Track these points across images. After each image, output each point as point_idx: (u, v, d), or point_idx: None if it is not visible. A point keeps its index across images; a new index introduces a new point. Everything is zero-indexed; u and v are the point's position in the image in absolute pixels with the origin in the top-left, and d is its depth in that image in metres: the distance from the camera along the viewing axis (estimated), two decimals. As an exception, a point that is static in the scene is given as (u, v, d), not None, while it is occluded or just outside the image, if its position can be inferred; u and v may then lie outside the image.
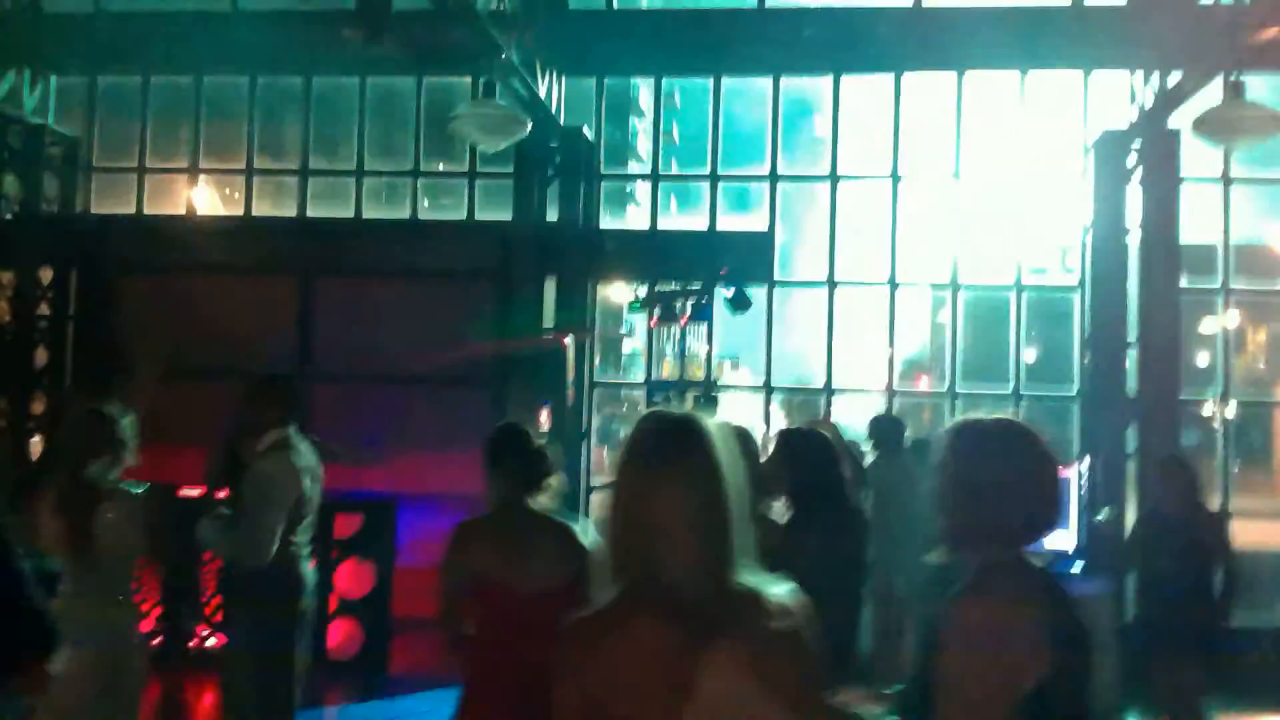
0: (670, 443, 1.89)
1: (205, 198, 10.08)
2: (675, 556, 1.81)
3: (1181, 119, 7.60)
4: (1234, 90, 6.66)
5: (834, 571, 3.34)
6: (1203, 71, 6.98)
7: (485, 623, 3.27)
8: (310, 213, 9.63)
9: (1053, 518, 2.18)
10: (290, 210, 9.68)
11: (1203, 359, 9.30)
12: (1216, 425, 8.79)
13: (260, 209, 9.86)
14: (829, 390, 9.08)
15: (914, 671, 2.16)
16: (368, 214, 9.57)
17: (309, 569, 4.73)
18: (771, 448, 3.90)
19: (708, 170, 9.32)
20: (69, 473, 4.08)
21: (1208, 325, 9.01)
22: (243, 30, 8.88)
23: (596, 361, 9.77)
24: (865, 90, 9.40)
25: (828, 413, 8.92)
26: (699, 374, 9.06)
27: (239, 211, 9.81)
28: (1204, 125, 6.66)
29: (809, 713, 1.86)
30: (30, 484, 4.06)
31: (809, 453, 3.70)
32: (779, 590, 1.91)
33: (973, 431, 2.22)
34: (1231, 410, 8.76)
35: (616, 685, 1.80)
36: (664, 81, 9.65)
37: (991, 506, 2.12)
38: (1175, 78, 7.63)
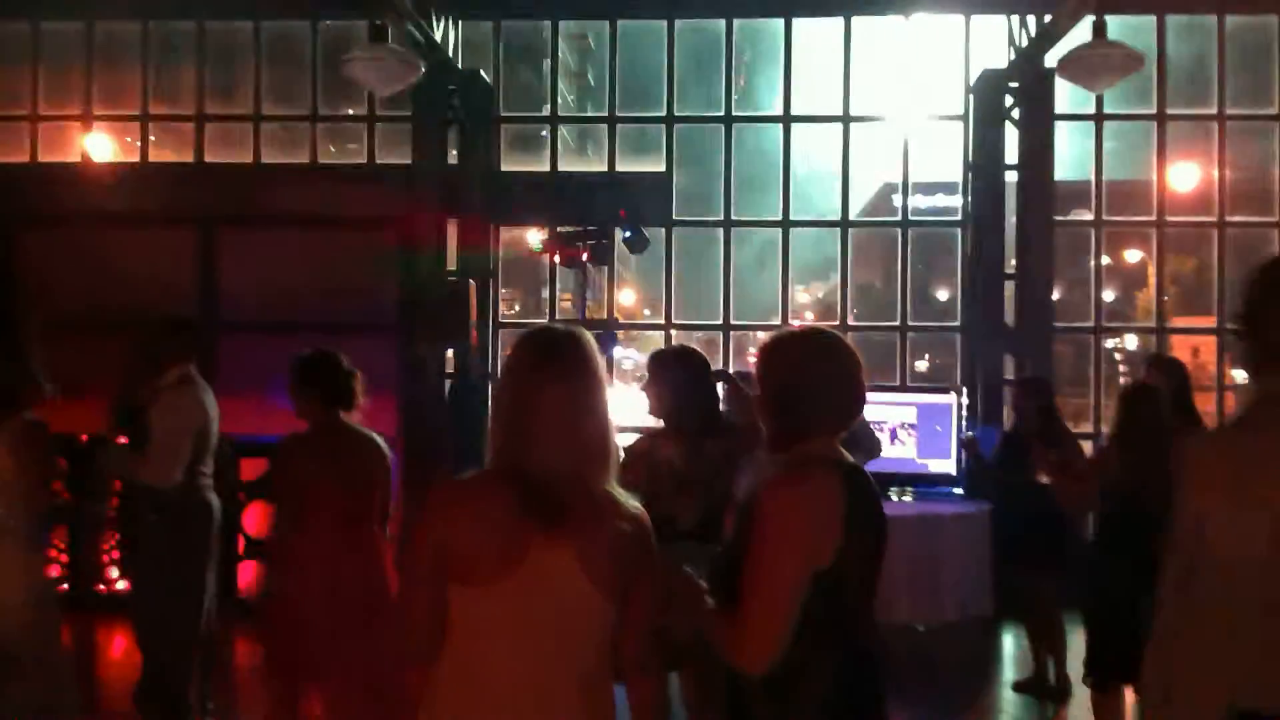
0: (553, 348, 2.14)
1: (103, 146, 9.97)
2: (542, 447, 2.06)
3: (1056, 59, 7.94)
4: (1097, 31, 7.00)
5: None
6: (1068, 14, 7.29)
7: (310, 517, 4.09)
8: (208, 159, 9.60)
9: (850, 411, 2.42)
10: (188, 157, 9.64)
11: (1077, 290, 9.78)
12: (1091, 353, 9.27)
13: (158, 156, 9.81)
14: (726, 327, 9.38)
15: (728, 545, 2.42)
16: (267, 160, 9.57)
17: (215, 499, 4.94)
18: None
19: (606, 113, 9.48)
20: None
21: (1081, 257, 9.45)
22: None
23: (504, 304, 9.98)
24: (759, 33, 9.59)
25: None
26: (603, 314, 9.33)
27: (136, 159, 9.75)
28: (1068, 66, 7.00)
29: (633, 605, 2.13)
30: None
31: (676, 372, 4.01)
32: (634, 502, 2.19)
33: (775, 342, 2.48)
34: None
35: (462, 542, 2.05)
36: (564, 25, 9.81)
37: (795, 405, 2.37)
38: (1048, 20, 7.96)
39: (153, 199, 9.06)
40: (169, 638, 4.73)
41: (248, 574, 7.86)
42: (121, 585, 7.60)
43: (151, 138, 9.76)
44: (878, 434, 7.77)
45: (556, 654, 2.06)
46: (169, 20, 9.64)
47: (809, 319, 10.79)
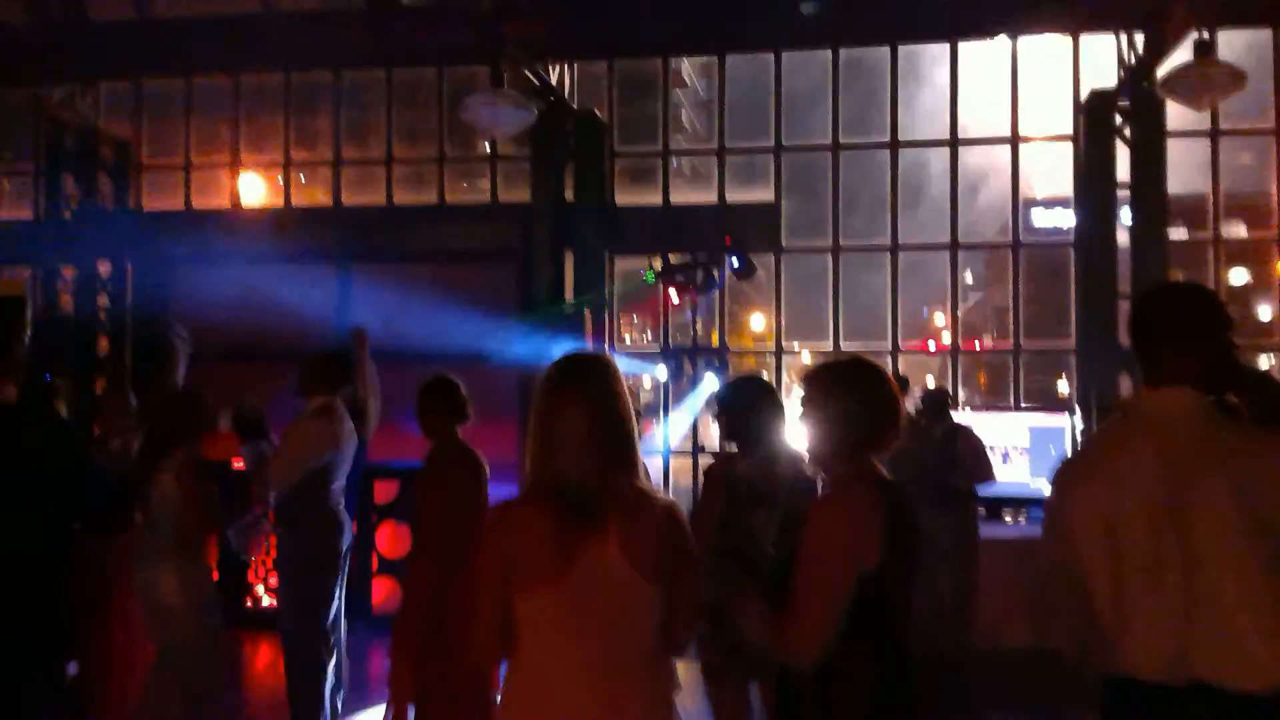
0: (573, 372, 2.45)
1: (250, 190, 10.73)
2: (569, 459, 2.36)
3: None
4: (1201, 49, 6.98)
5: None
6: (1172, 31, 7.27)
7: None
8: (345, 201, 10.25)
9: (887, 435, 2.64)
10: (327, 199, 10.31)
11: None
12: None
13: (300, 199, 10.53)
14: (835, 350, 9.53)
15: (779, 555, 2.67)
16: (399, 200, 10.16)
17: (344, 517, 5.39)
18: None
19: (715, 145, 9.78)
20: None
21: (1200, 274, 9.30)
22: (277, 30, 9.47)
23: (620, 332, 10.35)
24: (865, 62, 9.75)
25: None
26: (715, 340, 9.60)
27: (280, 203, 10.47)
28: (1171, 84, 6.99)
29: (677, 588, 2.40)
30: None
31: (736, 399, 4.29)
32: (663, 495, 2.48)
33: (815, 374, 2.73)
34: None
35: (519, 555, 2.35)
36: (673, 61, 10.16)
37: (836, 429, 2.62)
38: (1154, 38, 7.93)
39: (294, 239, 9.73)
40: (298, 649, 5.17)
41: (380, 591, 8.35)
42: (268, 602, 8.18)
43: (299, 179, 10.47)
44: (989, 456, 7.86)
45: (614, 641, 2.33)
46: (308, 71, 10.33)
47: (943, 339, 10.80)
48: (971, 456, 6.87)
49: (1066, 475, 2.60)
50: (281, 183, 10.46)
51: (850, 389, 2.65)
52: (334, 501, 5.35)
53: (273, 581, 8.03)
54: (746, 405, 4.22)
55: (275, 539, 5.68)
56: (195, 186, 10.52)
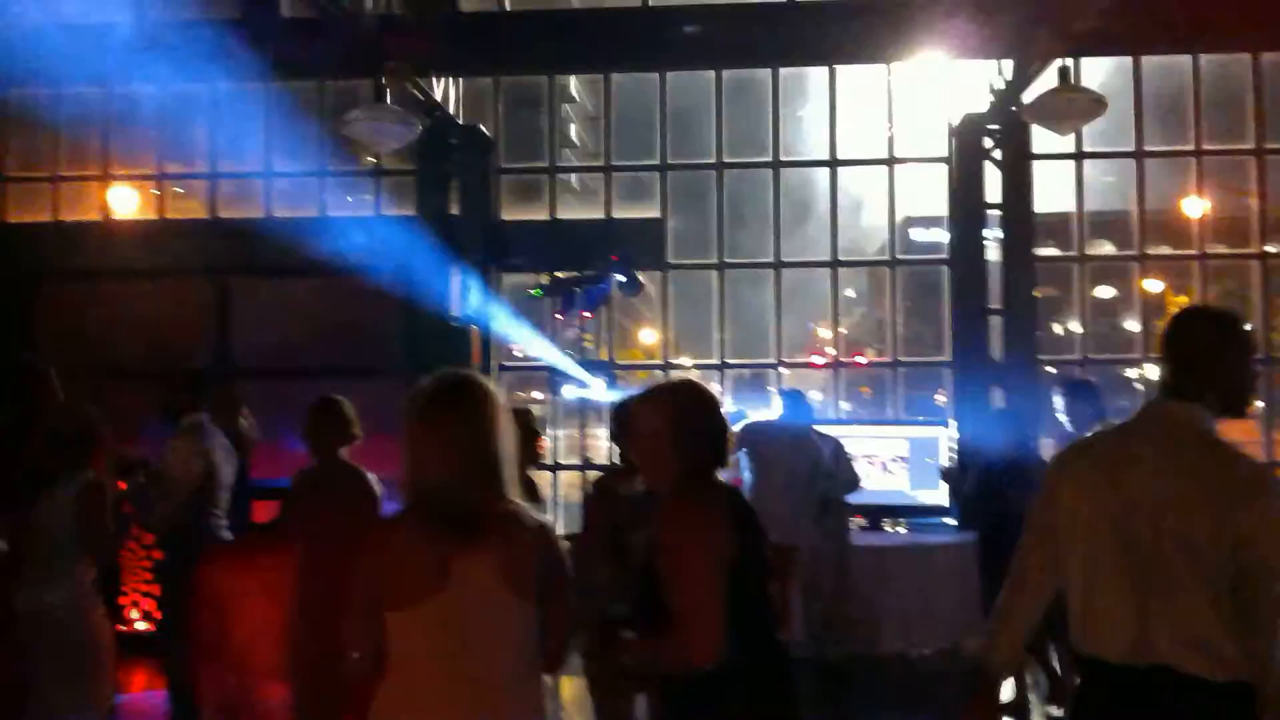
0: (441, 394, 2.46)
1: (121, 203, 10.39)
2: (441, 479, 2.38)
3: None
4: (1063, 76, 7.31)
5: None
6: (1038, 59, 7.60)
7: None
8: (222, 214, 10.00)
9: (720, 453, 2.76)
10: (203, 212, 10.05)
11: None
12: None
13: (174, 212, 10.24)
14: (722, 365, 9.66)
15: (640, 578, 2.72)
16: (279, 214, 9.96)
17: (228, 538, 5.28)
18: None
19: (602, 161, 9.85)
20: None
21: (1067, 291, 9.71)
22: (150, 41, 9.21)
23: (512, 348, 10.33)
24: (750, 82, 9.93)
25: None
26: (604, 355, 9.64)
27: (154, 216, 10.16)
28: (1034, 109, 7.31)
29: (550, 607, 2.44)
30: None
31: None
32: (538, 513, 2.50)
33: (655, 395, 2.82)
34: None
35: (390, 573, 2.37)
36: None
37: (679, 445, 2.71)
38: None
39: (170, 253, 9.47)
40: (179, 672, 5.04)
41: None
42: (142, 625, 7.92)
43: (175, 193, 10.19)
44: (867, 467, 8.06)
45: (484, 658, 2.35)
46: (184, 84, 10.06)
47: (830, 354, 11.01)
48: (838, 464, 7.04)
49: (1071, 455, 2.84)
50: (156, 195, 10.16)
51: (692, 411, 2.74)
52: (214, 523, 5.24)
53: (146, 605, 7.78)
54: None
55: (155, 563, 5.53)
56: (64, 200, 10.15)
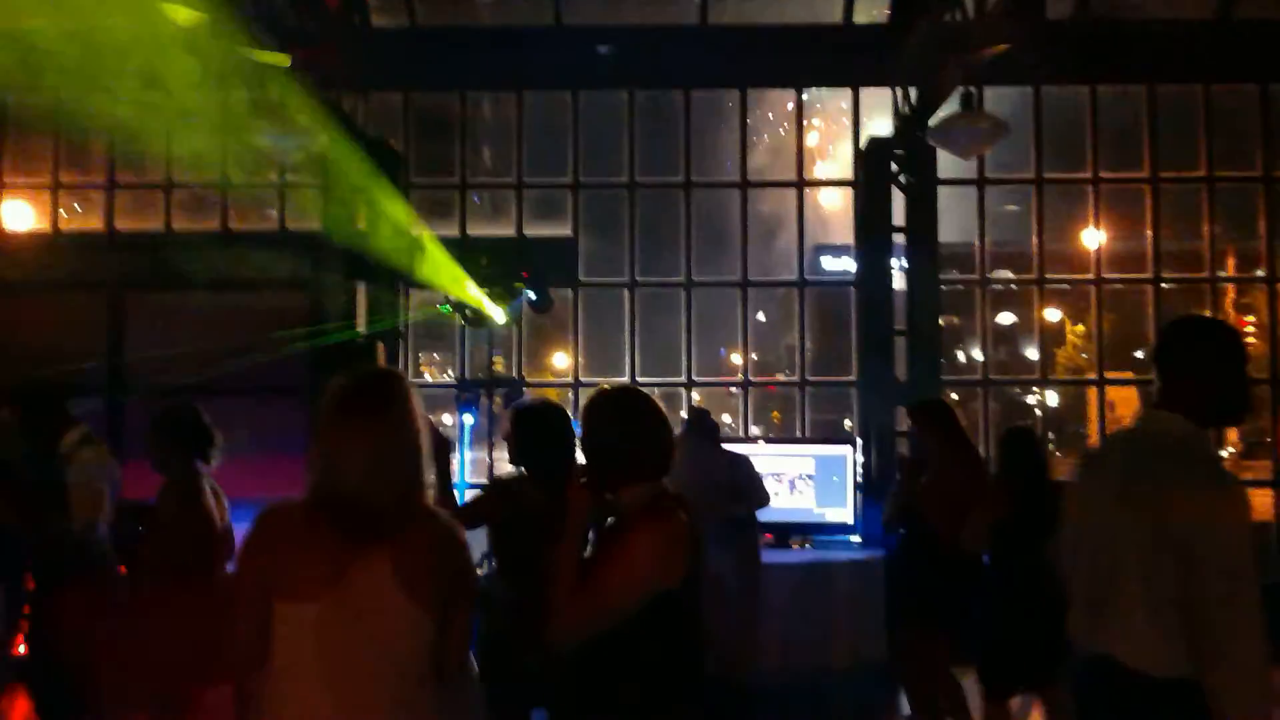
0: (361, 389, 2.38)
1: (14, 214, 10.02)
2: (350, 474, 2.29)
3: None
4: (965, 101, 7.48)
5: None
6: (943, 85, 7.78)
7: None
8: (119, 227, 9.70)
9: (665, 458, 2.73)
10: (98, 225, 9.74)
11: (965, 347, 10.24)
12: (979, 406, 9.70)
13: (70, 226, 9.91)
14: (633, 385, 9.64)
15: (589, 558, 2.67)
16: (178, 227, 9.70)
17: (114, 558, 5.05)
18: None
19: (514, 179, 9.80)
20: None
21: (970, 315, 9.92)
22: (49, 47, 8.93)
23: (412, 364, 10.18)
24: (660, 104, 9.98)
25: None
26: (508, 372, 9.55)
27: (48, 228, 9.82)
28: (940, 133, 7.46)
29: (445, 614, 2.35)
30: None
31: (537, 425, 4.24)
32: (448, 517, 2.42)
33: (593, 403, 2.79)
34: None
35: (284, 563, 2.26)
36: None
37: (618, 455, 2.68)
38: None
39: (63, 266, 9.15)
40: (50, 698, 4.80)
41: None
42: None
43: (66, 211, 9.86)
44: (774, 484, 8.09)
45: (372, 663, 2.26)
46: (84, 94, 9.76)
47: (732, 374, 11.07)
48: (748, 482, 7.03)
49: (1080, 459, 3.21)
50: (49, 207, 9.82)
51: (621, 417, 2.71)
52: (103, 547, 5.02)
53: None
54: (538, 429, 4.19)
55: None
56: (-50, 208, 9.76)
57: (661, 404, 2.77)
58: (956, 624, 5.62)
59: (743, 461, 7.14)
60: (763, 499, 7.08)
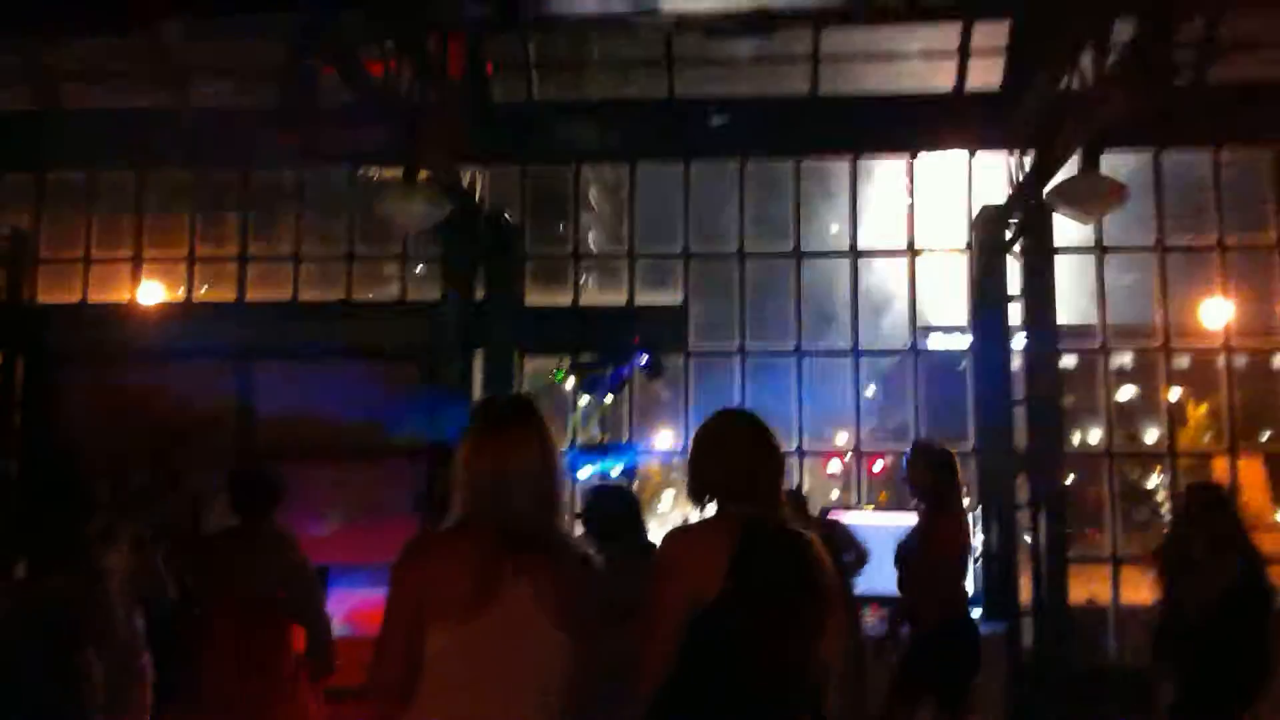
0: (515, 413, 2.45)
1: (152, 287, 10.50)
2: (517, 497, 2.34)
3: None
4: (1085, 161, 7.36)
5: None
6: (1059, 148, 7.68)
7: None
8: (250, 297, 10.09)
9: (740, 480, 2.68)
10: (230, 295, 10.15)
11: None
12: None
13: (201, 295, 10.35)
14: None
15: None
16: (305, 298, 10.04)
17: None
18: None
19: (625, 249, 9.95)
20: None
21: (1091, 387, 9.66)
22: (186, 127, 9.43)
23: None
24: (771, 174, 10.05)
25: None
26: (622, 439, 9.60)
27: (181, 298, 10.26)
28: (1058, 195, 7.35)
29: (582, 639, 2.37)
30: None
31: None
32: (585, 545, 2.47)
33: (701, 425, 2.83)
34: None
35: (439, 585, 2.29)
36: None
37: (702, 471, 2.73)
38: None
39: (194, 335, 9.53)
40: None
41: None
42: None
43: (203, 275, 10.31)
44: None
45: (520, 685, 2.28)
46: (217, 169, 10.25)
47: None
48: (844, 536, 6.84)
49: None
50: (185, 277, 10.27)
51: (711, 438, 2.77)
52: None
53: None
54: (609, 511, 4.32)
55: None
56: (94, 280, 10.28)
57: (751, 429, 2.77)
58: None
59: (839, 524, 7.00)
60: (862, 554, 6.88)
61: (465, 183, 9.15)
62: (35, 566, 3.99)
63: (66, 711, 3.84)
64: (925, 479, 5.87)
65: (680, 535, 2.64)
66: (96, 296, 10.24)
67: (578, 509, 4.65)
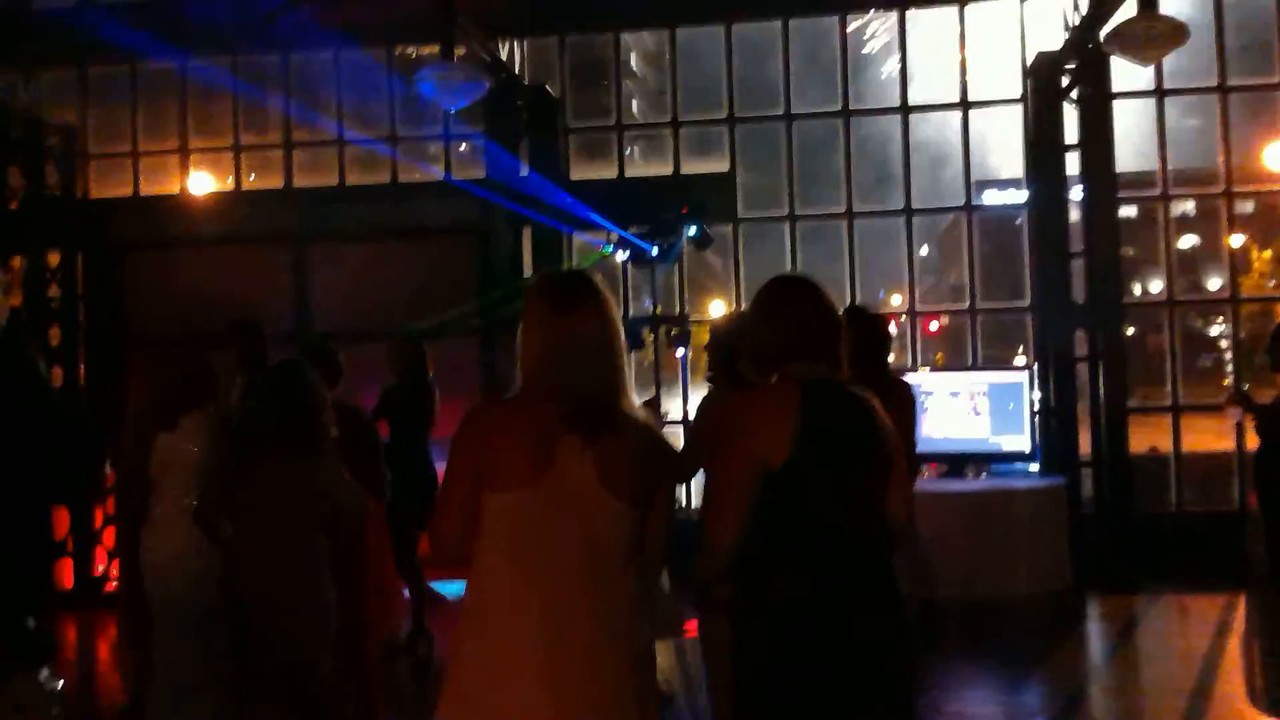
0: (574, 289, 2.45)
1: (199, 176, 10.58)
2: (579, 371, 2.35)
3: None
4: (1142, 3, 7.08)
5: None
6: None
7: None
8: (296, 183, 10.13)
9: (801, 343, 2.66)
10: (278, 182, 10.19)
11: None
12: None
13: (250, 183, 10.41)
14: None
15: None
16: (351, 181, 10.06)
17: None
18: None
19: (669, 118, 9.79)
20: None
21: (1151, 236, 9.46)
22: (224, 14, 9.33)
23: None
24: (816, 29, 9.76)
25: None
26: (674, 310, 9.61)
27: (231, 186, 10.34)
28: (1114, 40, 7.09)
29: (646, 511, 2.42)
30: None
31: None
32: (647, 416, 2.49)
33: (759, 290, 2.82)
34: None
35: (499, 452, 2.35)
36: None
37: (762, 335, 2.73)
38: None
39: (248, 222, 9.62)
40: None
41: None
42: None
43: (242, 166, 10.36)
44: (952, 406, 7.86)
45: (576, 553, 2.34)
46: (257, 55, 10.18)
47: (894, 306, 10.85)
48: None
49: None
50: (232, 166, 10.33)
51: (770, 303, 2.74)
52: None
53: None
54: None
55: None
56: (144, 173, 10.36)
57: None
58: None
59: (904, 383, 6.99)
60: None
61: (504, 55, 9.00)
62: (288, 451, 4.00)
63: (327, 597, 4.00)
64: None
65: (739, 402, 2.66)
66: (147, 190, 10.34)
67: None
